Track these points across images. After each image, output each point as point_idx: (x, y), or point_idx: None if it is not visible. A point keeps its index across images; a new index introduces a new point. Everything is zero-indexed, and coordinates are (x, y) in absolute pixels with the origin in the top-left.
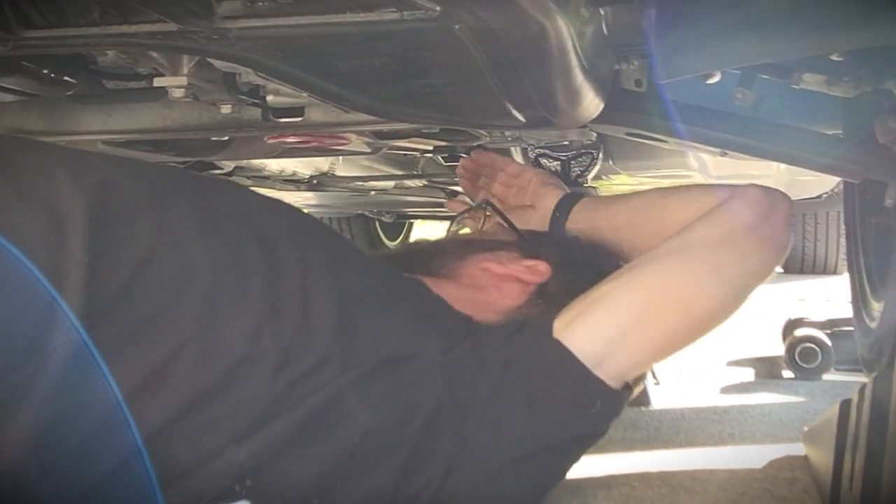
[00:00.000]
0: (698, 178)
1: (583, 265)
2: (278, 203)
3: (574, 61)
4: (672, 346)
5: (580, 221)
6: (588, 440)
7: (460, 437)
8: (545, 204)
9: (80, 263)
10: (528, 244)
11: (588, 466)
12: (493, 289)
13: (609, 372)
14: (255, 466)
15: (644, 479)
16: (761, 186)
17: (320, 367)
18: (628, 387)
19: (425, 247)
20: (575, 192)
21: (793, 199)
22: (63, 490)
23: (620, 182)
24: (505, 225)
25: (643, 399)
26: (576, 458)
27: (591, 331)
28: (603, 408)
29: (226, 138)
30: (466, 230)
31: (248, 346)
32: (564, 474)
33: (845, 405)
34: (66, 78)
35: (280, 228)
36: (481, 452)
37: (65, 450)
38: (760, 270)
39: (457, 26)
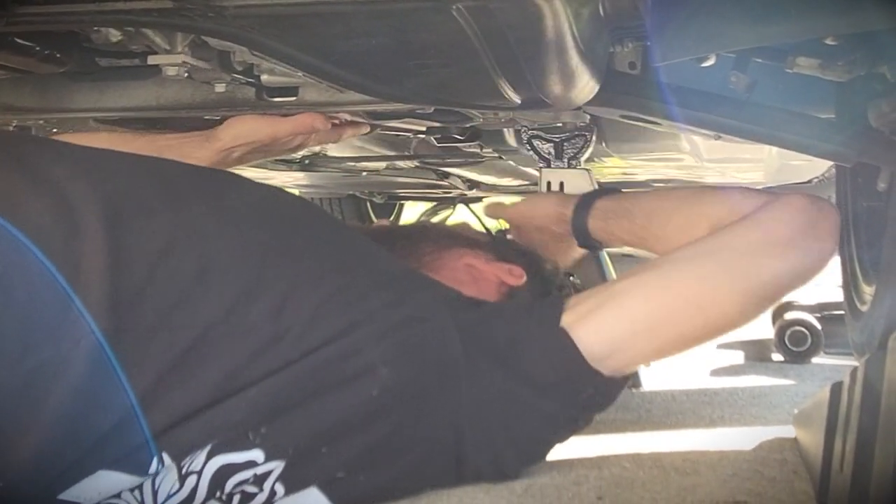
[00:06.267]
0: (690, 161)
1: (546, 277)
2: (282, 190)
3: (570, 43)
4: (679, 348)
5: (602, 216)
6: (576, 423)
7: (470, 400)
8: (567, 207)
9: (101, 255)
10: (500, 247)
11: (580, 447)
12: (471, 284)
13: (610, 367)
14: (269, 413)
15: (635, 459)
16: (808, 195)
17: (343, 335)
18: (625, 377)
19: (409, 230)
20: (594, 191)
21: (783, 183)
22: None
23: (613, 164)
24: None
25: (634, 381)
26: (562, 438)
27: (600, 330)
28: (596, 394)
29: (219, 118)
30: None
31: (273, 324)
32: (550, 448)
33: (836, 388)
34: (58, 55)
35: (288, 212)
36: (484, 418)
37: (75, 439)
38: (792, 283)
39: (455, 6)
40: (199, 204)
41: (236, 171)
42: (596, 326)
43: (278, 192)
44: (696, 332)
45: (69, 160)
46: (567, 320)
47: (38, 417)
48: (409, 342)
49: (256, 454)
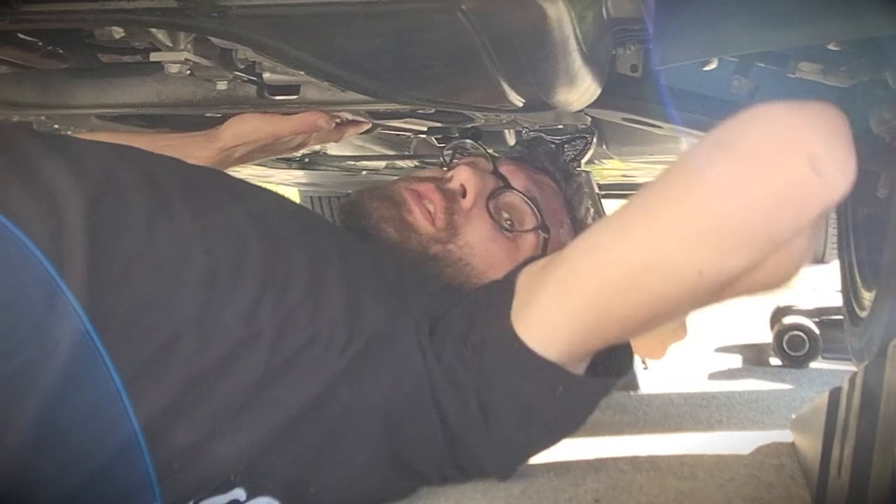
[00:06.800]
0: None
1: None
2: (263, 188)
3: (574, 45)
4: (657, 319)
5: None
6: (558, 428)
7: (441, 415)
8: None
9: (80, 250)
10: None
11: (577, 449)
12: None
13: (577, 357)
14: (246, 449)
15: (633, 462)
16: (795, 102)
17: (310, 345)
18: (607, 375)
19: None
20: None
21: None
22: (61, 478)
23: (613, 167)
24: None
25: (632, 383)
26: (545, 445)
27: (546, 325)
28: (566, 393)
29: (220, 115)
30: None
31: (245, 327)
32: (533, 451)
33: (835, 393)
34: (61, 51)
35: (269, 210)
36: (461, 433)
37: (64, 437)
38: (782, 213)
39: (459, 8)
40: (179, 201)
41: (231, 170)
42: (541, 321)
43: (261, 191)
44: (665, 301)
45: (58, 153)
46: (515, 308)
47: (17, 419)
48: (369, 362)
49: (238, 493)
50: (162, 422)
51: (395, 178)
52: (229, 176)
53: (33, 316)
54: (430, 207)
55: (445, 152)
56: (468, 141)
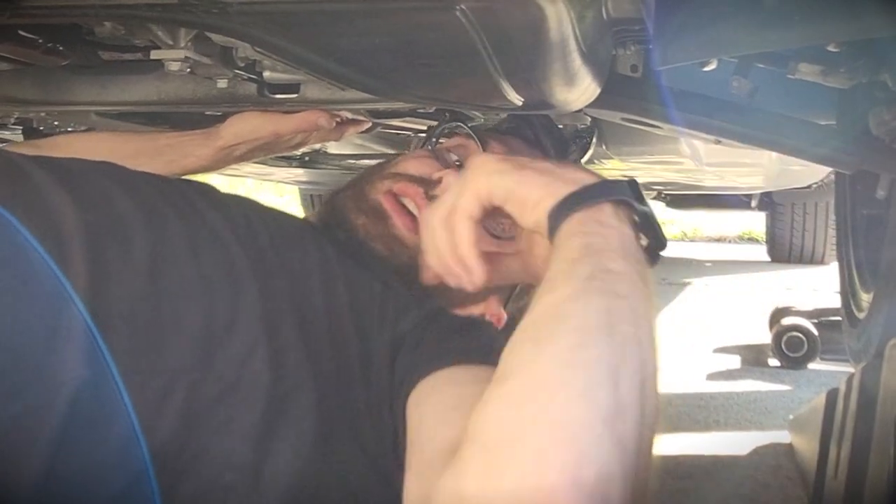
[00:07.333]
0: (690, 165)
1: None
2: (266, 208)
3: (573, 45)
4: None
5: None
6: None
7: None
8: None
9: (88, 288)
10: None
11: None
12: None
13: None
14: (262, 483)
15: None
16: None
17: (299, 388)
18: None
19: None
20: None
21: (783, 188)
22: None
23: (612, 167)
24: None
25: None
26: None
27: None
28: None
29: (220, 113)
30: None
31: (239, 370)
32: None
33: (832, 394)
34: (61, 48)
35: (260, 240)
36: None
37: (78, 469)
38: None
39: (458, 7)
40: (175, 230)
41: (231, 167)
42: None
43: (255, 212)
44: None
45: (56, 181)
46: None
47: (38, 447)
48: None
49: None
50: (172, 455)
51: (377, 166)
52: (221, 193)
53: (57, 349)
54: (411, 208)
55: (435, 135)
56: (459, 124)
